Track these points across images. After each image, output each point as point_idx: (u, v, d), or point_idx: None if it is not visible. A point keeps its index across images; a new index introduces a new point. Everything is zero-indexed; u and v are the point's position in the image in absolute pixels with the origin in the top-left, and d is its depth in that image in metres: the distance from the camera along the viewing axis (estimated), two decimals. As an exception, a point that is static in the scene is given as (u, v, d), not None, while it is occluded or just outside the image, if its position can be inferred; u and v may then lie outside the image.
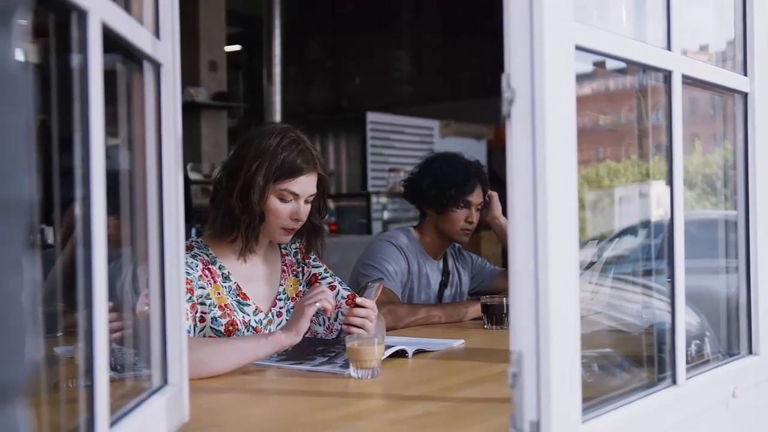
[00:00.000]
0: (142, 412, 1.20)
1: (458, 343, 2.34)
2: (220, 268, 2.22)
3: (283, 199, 2.18)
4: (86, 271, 0.99)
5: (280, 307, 2.32)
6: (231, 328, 2.16)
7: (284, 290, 2.35)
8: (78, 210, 0.99)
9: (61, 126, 1.00)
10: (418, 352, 2.18)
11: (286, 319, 2.29)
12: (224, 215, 2.19)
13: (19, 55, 0.62)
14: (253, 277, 2.28)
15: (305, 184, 2.20)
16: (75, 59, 0.99)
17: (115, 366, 1.30)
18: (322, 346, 2.15)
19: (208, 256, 2.21)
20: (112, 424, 1.06)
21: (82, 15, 0.98)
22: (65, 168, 1.00)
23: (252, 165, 2.15)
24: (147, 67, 1.32)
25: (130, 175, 1.33)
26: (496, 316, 2.63)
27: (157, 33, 1.34)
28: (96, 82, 0.99)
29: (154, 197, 1.34)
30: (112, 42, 1.08)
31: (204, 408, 1.59)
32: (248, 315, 2.22)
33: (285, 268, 2.37)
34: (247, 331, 2.20)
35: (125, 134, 1.32)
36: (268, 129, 2.23)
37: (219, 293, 2.18)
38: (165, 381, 1.35)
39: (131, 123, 1.33)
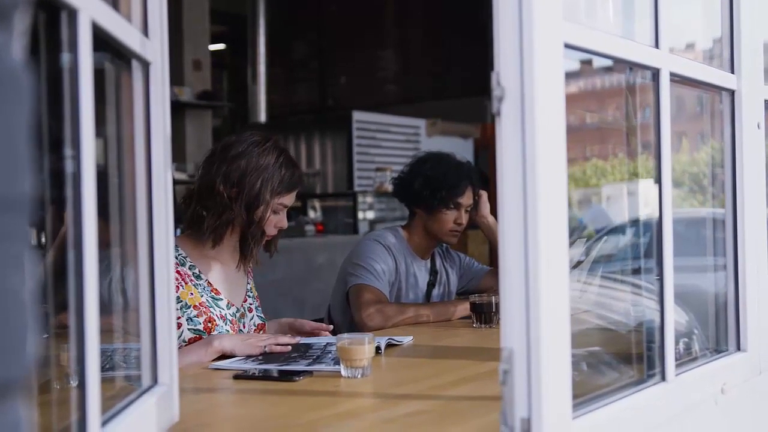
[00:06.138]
0: (133, 412, 1.20)
1: (407, 340, 2.36)
2: (190, 268, 2.27)
3: (276, 212, 2.29)
4: (77, 272, 0.98)
5: (250, 303, 2.41)
6: (210, 324, 2.21)
7: (250, 288, 2.44)
8: (68, 210, 0.99)
9: (49, 125, 1.00)
10: (389, 345, 2.23)
11: (257, 315, 2.41)
12: (224, 225, 2.25)
13: (20, 54, 0.62)
14: (224, 275, 2.35)
15: (294, 197, 2.33)
16: (64, 58, 0.99)
17: (104, 366, 1.29)
18: (302, 349, 2.15)
19: (176, 257, 2.23)
20: (104, 423, 1.05)
21: (72, 14, 0.97)
22: (53, 168, 0.99)
23: (255, 181, 2.22)
24: (135, 66, 1.31)
25: (118, 175, 1.33)
26: (485, 314, 2.64)
27: (145, 31, 1.33)
28: (86, 80, 0.99)
29: (143, 197, 1.33)
30: (100, 40, 1.08)
31: (193, 408, 1.58)
32: (223, 309, 2.28)
33: (249, 269, 2.46)
34: (225, 324, 2.25)
35: (113, 134, 1.32)
36: (260, 143, 2.28)
37: (192, 293, 2.22)
38: (155, 381, 1.35)
39: (119, 122, 1.32)
